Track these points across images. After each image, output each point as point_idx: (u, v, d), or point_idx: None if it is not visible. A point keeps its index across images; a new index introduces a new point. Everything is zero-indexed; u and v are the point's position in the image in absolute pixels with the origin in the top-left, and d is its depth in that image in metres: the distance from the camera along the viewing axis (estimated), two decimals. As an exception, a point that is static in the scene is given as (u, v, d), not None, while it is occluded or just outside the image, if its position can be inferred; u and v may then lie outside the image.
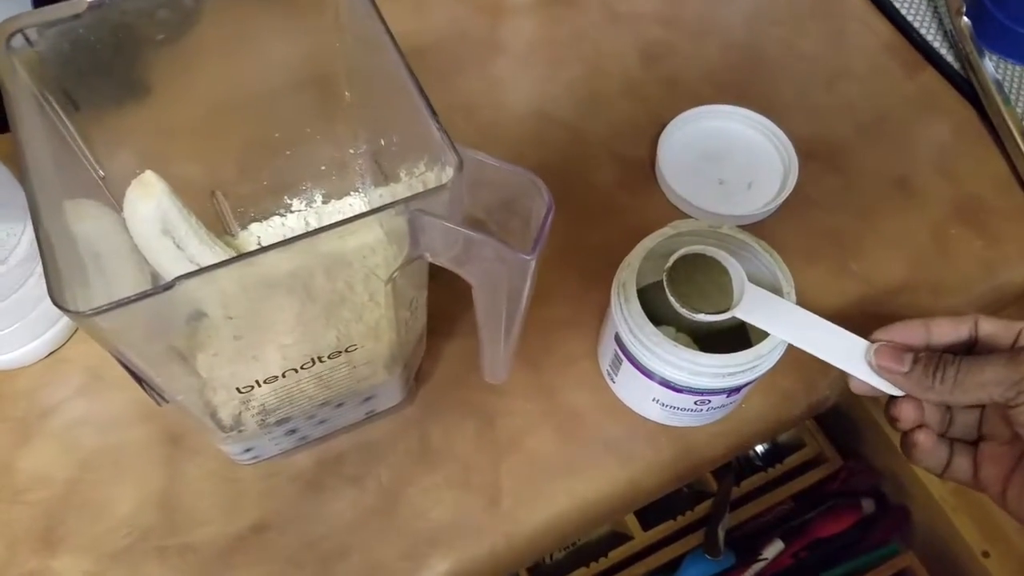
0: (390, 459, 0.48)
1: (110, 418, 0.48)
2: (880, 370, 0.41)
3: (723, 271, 0.44)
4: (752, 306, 0.43)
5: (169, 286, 0.27)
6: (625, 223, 0.56)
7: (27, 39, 0.33)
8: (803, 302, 0.44)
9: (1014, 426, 0.39)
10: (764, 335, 0.44)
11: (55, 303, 0.26)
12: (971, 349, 0.41)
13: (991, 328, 0.41)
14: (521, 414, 0.49)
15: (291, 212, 0.48)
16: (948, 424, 0.42)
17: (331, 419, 0.44)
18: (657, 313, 0.44)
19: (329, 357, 0.38)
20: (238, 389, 0.36)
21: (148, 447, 0.48)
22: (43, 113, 0.35)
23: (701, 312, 0.43)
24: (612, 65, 0.64)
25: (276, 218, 0.47)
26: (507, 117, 0.61)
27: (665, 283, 0.43)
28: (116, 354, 0.30)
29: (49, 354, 0.50)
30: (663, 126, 0.60)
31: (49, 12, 0.32)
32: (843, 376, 0.43)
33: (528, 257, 0.30)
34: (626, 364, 0.46)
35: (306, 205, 0.48)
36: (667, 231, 0.46)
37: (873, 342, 0.42)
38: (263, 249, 0.28)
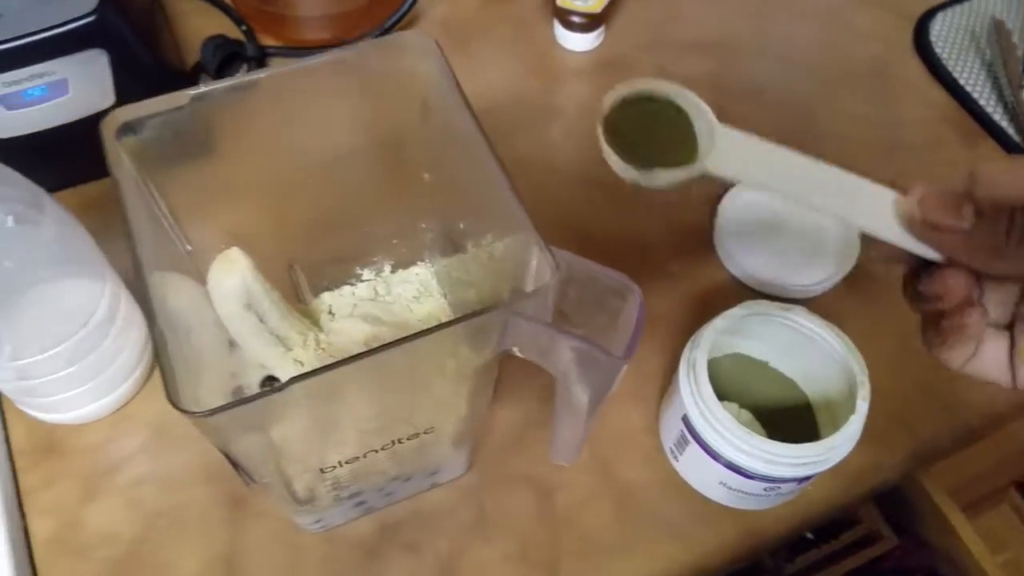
0: (448, 529, 0.48)
1: (173, 477, 0.49)
2: (926, 226, 0.29)
3: (686, 120, 0.33)
4: (730, 156, 0.32)
5: (282, 387, 0.28)
6: (681, 290, 0.57)
7: (132, 129, 0.34)
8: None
9: None
10: (833, 411, 0.43)
11: (173, 405, 0.27)
12: None
13: None
14: (579, 488, 0.49)
15: (361, 281, 0.48)
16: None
17: (397, 491, 0.45)
18: (717, 387, 0.44)
19: (408, 439, 0.38)
20: (321, 469, 0.37)
21: (211, 508, 0.48)
22: (141, 195, 0.35)
23: (656, 166, 0.31)
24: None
25: (347, 287, 0.48)
26: (559, 180, 0.61)
27: (601, 137, 0.32)
28: (219, 445, 0.30)
29: (115, 410, 0.50)
30: (720, 191, 0.60)
31: (155, 104, 0.34)
32: (910, 455, 0.42)
33: (621, 360, 0.30)
34: (693, 446, 0.46)
35: (375, 275, 0.49)
36: (738, 311, 0.46)
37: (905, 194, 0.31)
38: (375, 350, 0.29)
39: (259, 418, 0.30)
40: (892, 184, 0.31)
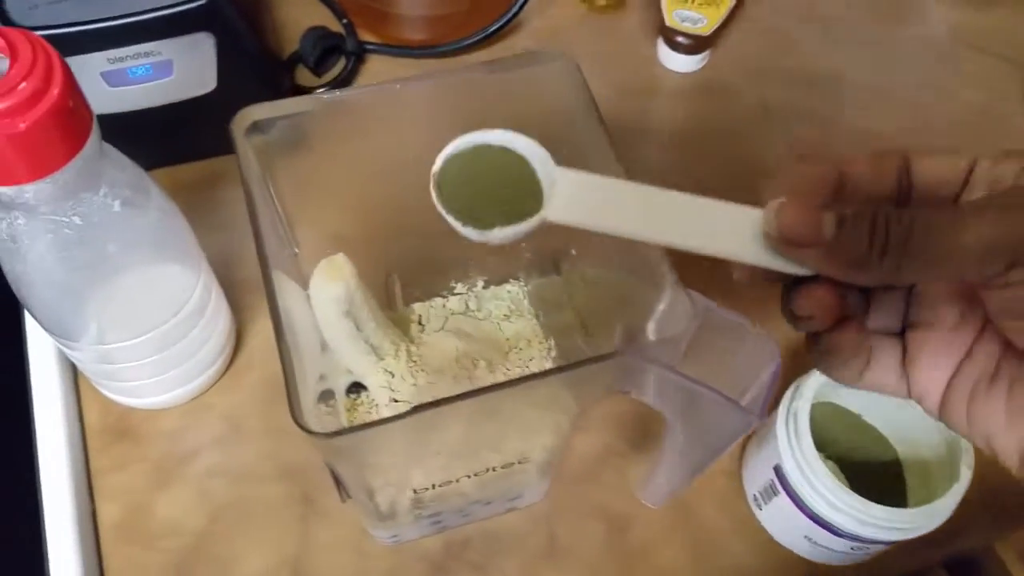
0: (516, 552, 0.47)
1: (245, 471, 0.48)
2: (785, 240, 0.26)
3: (527, 168, 0.29)
4: (572, 201, 0.28)
5: (407, 415, 0.27)
6: (780, 326, 0.54)
7: (259, 128, 0.33)
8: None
9: (995, 316, 0.27)
10: (926, 473, 0.42)
11: (296, 422, 0.26)
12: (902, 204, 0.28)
13: (932, 167, 0.27)
14: (654, 524, 0.48)
15: (453, 294, 0.47)
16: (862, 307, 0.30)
17: (475, 513, 0.44)
18: None
19: (500, 467, 0.37)
20: (413, 490, 0.36)
21: (280, 505, 0.47)
22: (263, 193, 0.35)
23: (493, 226, 0.28)
24: (765, 162, 0.62)
25: (438, 299, 0.47)
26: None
27: (433, 194, 0.29)
28: (329, 462, 0.29)
29: (192, 399, 0.50)
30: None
31: (285, 106, 0.33)
32: (991, 522, 0.40)
33: (756, 419, 0.29)
34: (783, 497, 0.44)
35: (467, 289, 0.47)
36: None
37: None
38: (501, 385, 0.28)
39: (375, 441, 0.29)
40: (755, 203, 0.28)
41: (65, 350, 0.43)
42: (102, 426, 0.49)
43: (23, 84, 0.31)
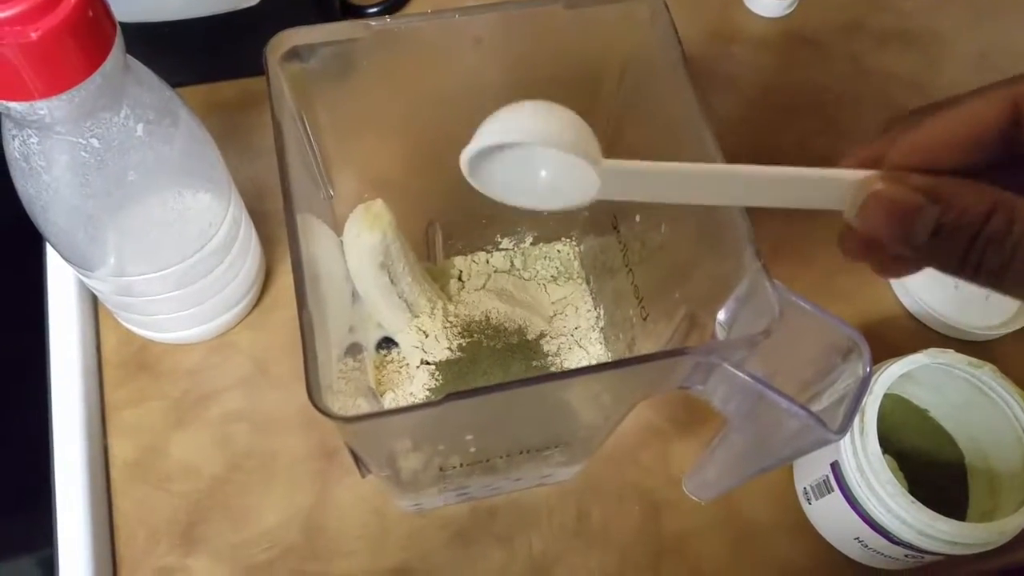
0: (543, 527, 0.44)
1: (268, 418, 0.46)
2: (865, 242, 0.25)
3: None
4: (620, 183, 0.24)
5: (438, 403, 0.23)
6: (845, 311, 0.50)
7: (298, 55, 0.29)
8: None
9: None
10: (994, 482, 0.38)
11: (314, 404, 0.23)
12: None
13: None
14: (692, 512, 0.45)
15: (498, 250, 0.44)
16: None
17: (503, 487, 0.41)
18: None
19: (536, 450, 0.34)
20: (440, 468, 0.33)
21: (301, 458, 0.45)
22: (295, 129, 0.31)
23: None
24: (851, 126, 0.57)
25: (481, 253, 0.44)
26: (727, 161, 0.55)
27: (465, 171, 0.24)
28: (351, 444, 0.26)
29: (216, 336, 0.47)
30: (899, 207, 0.53)
31: (329, 31, 0.29)
32: None
33: (837, 437, 0.25)
34: (837, 495, 0.41)
35: (514, 245, 0.44)
36: (921, 359, 0.41)
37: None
38: (542, 378, 0.24)
39: (399, 425, 0.26)
40: None
41: (83, 279, 0.41)
42: (120, 358, 0.46)
43: (36, -13, 0.28)
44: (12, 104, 0.30)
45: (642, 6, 0.30)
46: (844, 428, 0.25)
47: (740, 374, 0.25)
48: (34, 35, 0.28)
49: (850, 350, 0.27)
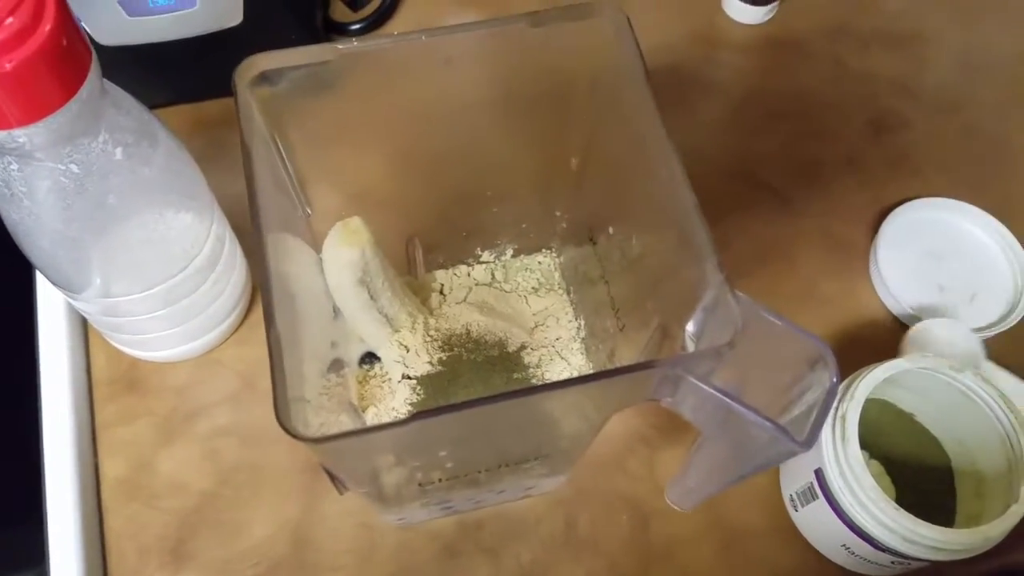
0: (531, 538, 0.44)
1: (255, 432, 0.46)
2: None
3: None
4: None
5: (405, 422, 0.24)
6: (828, 315, 0.51)
7: (268, 79, 0.29)
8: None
9: None
10: (980, 485, 0.38)
11: (282, 425, 0.23)
12: None
13: None
14: (680, 519, 0.45)
15: (479, 263, 0.44)
16: None
17: (488, 500, 0.41)
18: None
19: (516, 463, 0.34)
20: (420, 484, 0.33)
21: (288, 471, 0.45)
22: (267, 150, 0.31)
23: None
24: (836, 129, 0.57)
25: (463, 267, 0.44)
26: (709, 170, 0.55)
27: None
28: (323, 463, 0.26)
29: (203, 354, 0.48)
30: (883, 210, 0.53)
31: (298, 55, 0.29)
32: None
33: (802, 448, 0.25)
34: (822, 502, 0.41)
35: (495, 257, 0.44)
36: (903, 364, 0.41)
37: None
38: (513, 393, 0.24)
39: (370, 445, 0.26)
40: None
41: (70, 300, 0.41)
42: (109, 376, 0.47)
43: (10, 19, 0.28)
44: (-10, 132, 0.30)
45: (606, 23, 0.31)
46: (811, 440, 0.25)
47: (705, 387, 0.26)
48: (8, 66, 0.28)
49: (817, 360, 0.27)
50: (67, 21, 0.30)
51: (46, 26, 0.29)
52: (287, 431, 0.23)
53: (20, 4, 0.29)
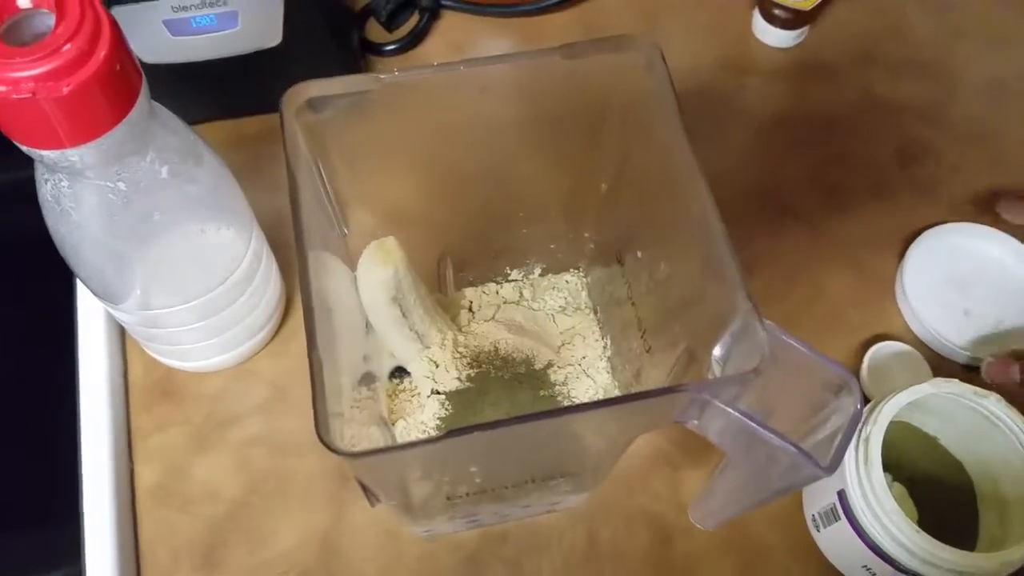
0: (554, 552, 0.45)
1: (286, 441, 0.47)
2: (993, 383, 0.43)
3: None
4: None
5: (441, 439, 0.25)
6: (854, 341, 0.51)
7: (313, 106, 0.30)
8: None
9: None
10: (1003, 508, 0.39)
11: (322, 440, 0.24)
12: None
13: None
14: (701, 538, 0.45)
15: (507, 281, 0.45)
16: None
17: (513, 514, 0.42)
18: None
19: (543, 479, 0.35)
20: (448, 497, 0.34)
21: (318, 480, 0.46)
22: (310, 174, 0.32)
23: None
24: (862, 156, 0.58)
25: (491, 284, 0.45)
26: (736, 194, 0.56)
27: None
28: (358, 476, 0.27)
29: (238, 364, 0.49)
30: (909, 236, 0.53)
31: (343, 84, 0.30)
32: None
33: (825, 473, 0.26)
34: (844, 524, 0.41)
35: (523, 276, 0.45)
36: (927, 388, 0.41)
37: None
38: (542, 415, 0.25)
39: (403, 459, 0.27)
40: None
41: (110, 310, 0.43)
42: (145, 385, 0.48)
43: (68, 45, 0.30)
44: (45, 152, 0.32)
45: (639, 55, 0.32)
46: (834, 465, 0.26)
47: (732, 411, 0.26)
48: (66, 90, 0.30)
49: (842, 387, 0.27)
50: (121, 47, 0.32)
51: (102, 52, 0.30)
52: (327, 446, 0.24)
53: (79, 31, 0.30)
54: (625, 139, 0.35)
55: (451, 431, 0.25)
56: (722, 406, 0.26)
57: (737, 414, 0.26)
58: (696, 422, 0.29)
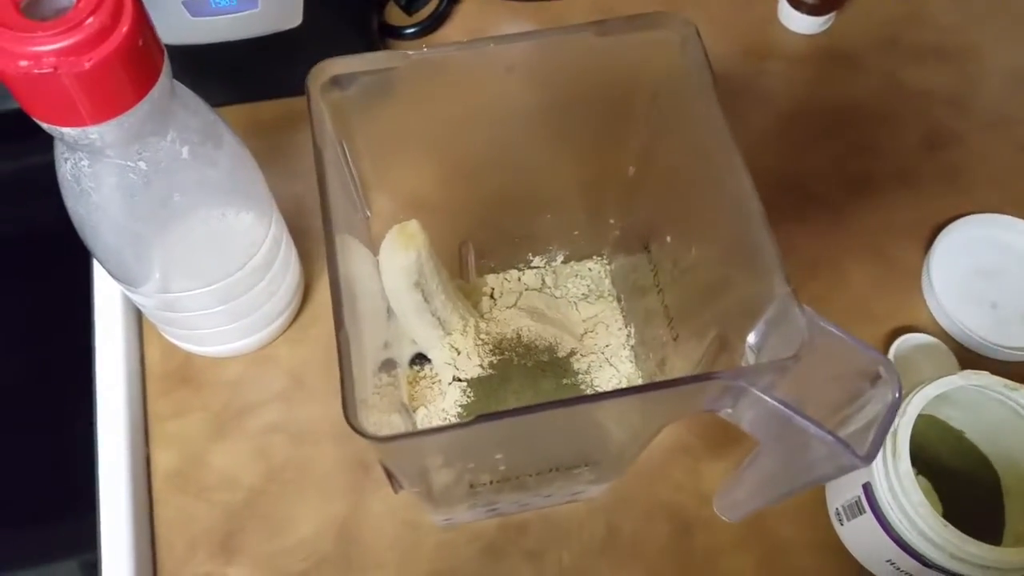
0: (573, 542, 0.45)
1: (304, 429, 0.47)
2: None
3: None
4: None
5: (468, 424, 0.24)
6: (878, 333, 0.50)
7: (339, 84, 0.30)
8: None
9: None
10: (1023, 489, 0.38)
11: (349, 423, 0.23)
12: None
13: None
14: (722, 530, 0.45)
15: (530, 268, 0.44)
16: None
17: (533, 503, 0.41)
18: None
19: (566, 468, 0.34)
20: (471, 485, 0.33)
21: (336, 469, 0.46)
22: (334, 154, 0.32)
23: None
24: (888, 144, 0.57)
25: (513, 271, 0.44)
26: (760, 182, 0.54)
27: None
28: (383, 461, 0.27)
29: (256, 350, 0.48)
30: (936, 226, 0.53)
31: (368, 60, 0.29)
32: None
33: (863, 463, 0.25)
34: (868, 517, 0.41)
35: (546, 263, 0.44)
36: (956, 380, 0.40)
37: None
38: (570, 401, 0.25)
39: (430, 444, 0.26)
40: None
41: (128, 294, 0.42)
42: (162, 371, 0.48)
43: (90, 19, 0.29)
44: (65, 129, 0.31)
45: (674, 33, 0.31)
46: (872, 454, 0.25)
47: (768, 399, 0.26)
48: (88, 64, 0.29)
49: (879, 375, 0.27)
50: (144, 22, 0.31)
51: (124, 27, 0.30)
52: (355, 430, 0.24)
53: (100, 4, 0.29)
54: (655, 120, 0.34)
55: (481, 416, 0.24)
56: (759, 394, 0.26)
57: (774, 402, 0.26)
58: (730, 411, 0.29)
